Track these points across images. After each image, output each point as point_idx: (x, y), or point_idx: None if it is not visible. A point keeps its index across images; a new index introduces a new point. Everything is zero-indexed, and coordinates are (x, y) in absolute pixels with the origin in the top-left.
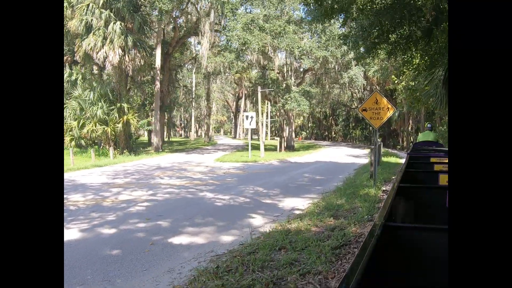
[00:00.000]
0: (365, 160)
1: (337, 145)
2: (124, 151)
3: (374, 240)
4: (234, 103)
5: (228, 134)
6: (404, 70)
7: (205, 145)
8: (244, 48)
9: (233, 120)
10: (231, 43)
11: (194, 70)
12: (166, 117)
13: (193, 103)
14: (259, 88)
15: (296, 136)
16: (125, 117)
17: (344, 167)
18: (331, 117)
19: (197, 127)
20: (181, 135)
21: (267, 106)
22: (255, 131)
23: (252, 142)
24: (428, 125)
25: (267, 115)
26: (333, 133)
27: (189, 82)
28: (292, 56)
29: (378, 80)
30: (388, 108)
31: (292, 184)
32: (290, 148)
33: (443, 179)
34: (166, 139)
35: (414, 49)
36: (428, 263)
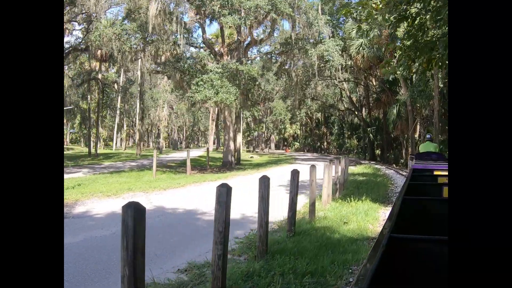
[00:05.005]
0: (305, 200)
1: (322, 158)
2: None
3: (380, 251)
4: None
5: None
6: None
7: (123, 159)
8: None
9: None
10: None
11: (140, 65)
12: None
13: (137, 107)
14: None
15: (284, 147)
16: None
17: None
18: (323, 125)
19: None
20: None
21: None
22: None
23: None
24: (428, 136)
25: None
26: (325, 143)
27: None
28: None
29: (366, 59)
30: None
31: None
32: (226, 165)
33: (447, 192)
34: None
35: None
36: (432, 274)
